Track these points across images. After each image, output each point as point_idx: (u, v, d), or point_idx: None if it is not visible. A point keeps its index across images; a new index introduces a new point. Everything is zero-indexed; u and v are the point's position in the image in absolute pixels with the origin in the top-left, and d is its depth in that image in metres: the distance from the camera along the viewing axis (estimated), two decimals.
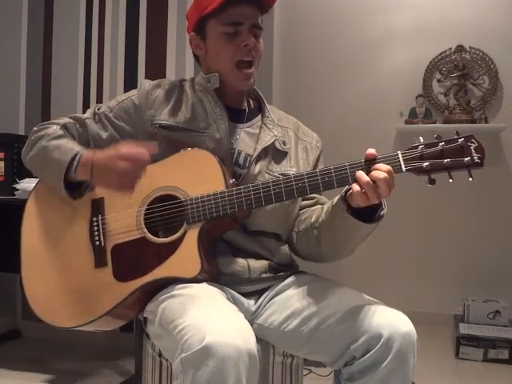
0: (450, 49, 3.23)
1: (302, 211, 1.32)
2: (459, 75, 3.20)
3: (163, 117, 1.26)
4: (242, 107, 1.34)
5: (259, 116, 1.35)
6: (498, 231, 3.14)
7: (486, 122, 3.12)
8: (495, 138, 3.14)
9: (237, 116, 1.31)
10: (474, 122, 3.13)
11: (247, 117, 1.33)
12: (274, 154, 1.30)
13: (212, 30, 1.24)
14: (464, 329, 2.64)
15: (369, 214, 1.12)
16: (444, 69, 3.25)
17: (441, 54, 3.25)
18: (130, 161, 1.12)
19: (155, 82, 1.33)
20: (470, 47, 3.20)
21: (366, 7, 3.33)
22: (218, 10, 1.20)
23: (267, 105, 1.38)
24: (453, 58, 3.23)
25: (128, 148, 1.14)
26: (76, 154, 1.20)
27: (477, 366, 2.51)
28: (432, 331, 2.86)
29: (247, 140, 1.29)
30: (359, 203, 1.08)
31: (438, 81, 3.27)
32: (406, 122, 3.22)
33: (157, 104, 1.28)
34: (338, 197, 1.16)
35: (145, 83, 1.32)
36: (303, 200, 1.33)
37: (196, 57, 1.35)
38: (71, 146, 1.23)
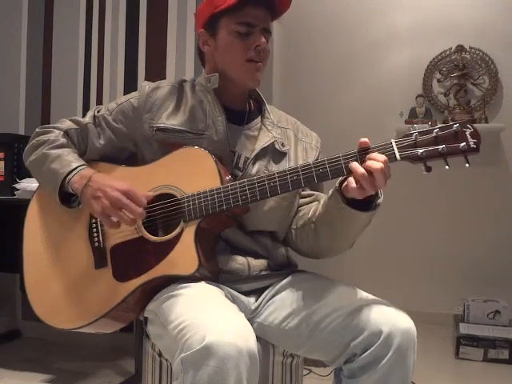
0: (450, 49, 3.23)
1: (300, 208, 1.32)
2: (459, 75, 3.20)
3: (162, 120, 1.26)
4: (242, 109, 1.33)
5: (259, 118, 1.35)
6: (498, 231, 3.14)
7: (486, 121, 3.12)
8: (495, 137, 3.14)
9: (237, 118, 1.30)
10: (474, 121, 3.12)
11: (247, 119, 1.32)
12: (274, 154, 1.29)
13: (224, 28, 1.24)
14: (464, 329, 2.64)
15: (365, 203, 1.11)
16: (444, 69, 3.25)
17: (441, 53, 3.25)
18: (127, 196, 1.14)
19: (155, 84, 1.33)
20: (470, 47, 3.20)
21: (366, 8, 3.33)
22: (233, 9, 1.21)
23: (267, 105, 1.37)
24: (453, 57, 3.23)
25: (131, 188, 1.15)
26: (75, 169, 1.22)
27: (477, 366, 2.51)
28: (432, 331, 2.86)
29: (246, 143, 1.29)
30: (355, 196, 1.07)
31: (438, 81, 3.27)
32: (406, 122, 3.21)
33: (156, 107, 1.28)
34: (333, 188, 1.15)
35: (144, 85, 1.32)
36: (301, 198, 1.33)
37: (201, 55, 1.35)
38: (71, 159, 1.25)
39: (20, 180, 2.19)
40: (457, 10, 3.21)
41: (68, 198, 1.25)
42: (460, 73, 3.19)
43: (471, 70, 3.21)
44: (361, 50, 3.34)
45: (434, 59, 3.26)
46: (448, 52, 3.24)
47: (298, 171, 1.11)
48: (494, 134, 3.12)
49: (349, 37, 3.36)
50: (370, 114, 3.31)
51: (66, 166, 1.23)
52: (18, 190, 2.15)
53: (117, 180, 1.19)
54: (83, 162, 1.26)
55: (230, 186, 1.15)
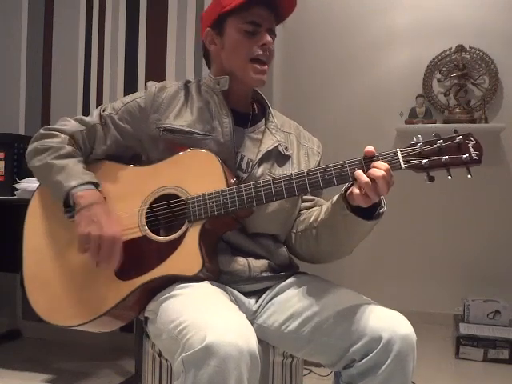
0: (450, 49, 3.23)
1: (301, 212, 1.33)
2: (459, 75, 3.20)
3: (168, 120, 1.27)
4: (246, 111, 1.34)
5: (263, 121, 1.36)
6: (498, 231, 3.14)
7: (486, 121, 3.12)
8: (495, 137, 3.14)
9: (241, 120, 1.31)
10: (474, 121, 3.13)
11: (251, 121, 1.33)
12: (277, 157, 1.30)
13: (231, 27, 1.26)
14: (464, 329, 2.64)
15: (368, 211, 1.12)
16: (444, 69, 3.25)
17: (441, 53, 3.25)
18: (111, 243, 1.16)
19: (161, 84, 1.33)
20: (470, 47, 3.20)
21: (367, 8, 3.33)
22: (240, 8, 1.23)
23: (271, 109, 1.39)
24: (453, 57, 3.23)
25: (118, 239, 1.17)
26: (79, 185, 1.20)
27: (477, 366, 2.51)
28: (432, 331, 2.87)
29: (250, 145, 1.29)
30: (360, 204, 1.08)
31: (438, 81, 3.27)
32: (406, 122, 3.22)
33: (163, 107, 1.28)
34: (337, 195, 1.17)
35: (151, 85, 1.32)
36: (302, 202, 1.33)
37: (206, 54, 1.36)
38: (75, 172, 1.23)
39: (20, 180, 2.18)
40: (456, 10, 3.21)
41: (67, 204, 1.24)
42: (460, 73, 3.19)
43: (471, 70, 3.21)
44: (361, 50, 3.34)
45: (434, 59, 3.26)
46: (448, 52, 3.24)
47: (303, 176, 1.13)
48: (493, 133, 3.12)
49: (349, 37, 3.36)
50: (370, 114, 3.31)
51: (70, 179, 1.21)
52: (18, 189, 2.15)
53: (116, 222, 1.19)
54: (88, 179, 1.23)
55: (236, 188, 1.16)
